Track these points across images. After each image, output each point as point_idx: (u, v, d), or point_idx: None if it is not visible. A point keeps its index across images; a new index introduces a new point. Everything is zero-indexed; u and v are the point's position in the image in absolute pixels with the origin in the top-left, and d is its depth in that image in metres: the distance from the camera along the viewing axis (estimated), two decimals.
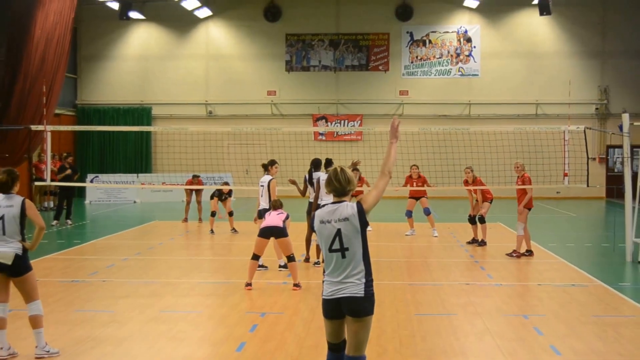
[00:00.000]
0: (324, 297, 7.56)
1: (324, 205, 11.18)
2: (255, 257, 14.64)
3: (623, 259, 18.12)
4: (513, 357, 10.00)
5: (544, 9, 37.07)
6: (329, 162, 17.61)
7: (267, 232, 14.75)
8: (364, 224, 7.46)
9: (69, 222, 26.12)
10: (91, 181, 35.85)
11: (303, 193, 17.78)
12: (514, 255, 18.47)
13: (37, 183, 28.21)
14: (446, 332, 11.29)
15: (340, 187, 7.58)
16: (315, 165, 17.67)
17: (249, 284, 14.44)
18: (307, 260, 17.59)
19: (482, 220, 20.48)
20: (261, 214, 15.97)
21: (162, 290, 14.40)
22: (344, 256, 7.43)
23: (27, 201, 10.07)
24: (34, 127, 22.51)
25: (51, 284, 15.00)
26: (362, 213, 7.44)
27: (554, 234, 23.65)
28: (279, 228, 14.71)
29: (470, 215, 21.11)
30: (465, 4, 39.21)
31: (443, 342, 10.78)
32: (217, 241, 22.21)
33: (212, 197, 24.32)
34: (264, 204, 16.65)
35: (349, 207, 7.48)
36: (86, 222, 28.04)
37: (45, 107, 27.31)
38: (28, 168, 32.55)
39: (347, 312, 7.42)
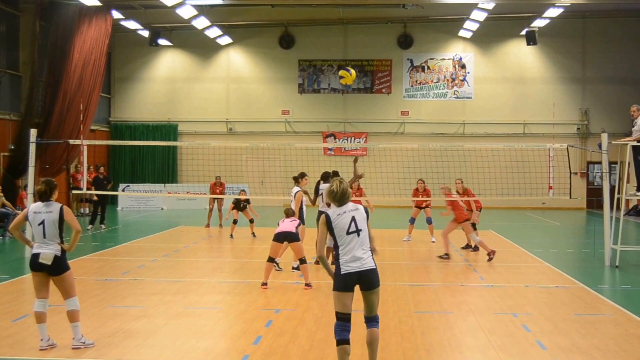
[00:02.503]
0: (344, 272, 8.31)
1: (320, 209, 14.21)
2: (271, 259, 14.64)
3: (602, 264, 18.04)
4: (503, 352, 9.95)
5: (530, 40, 37.37)
6: (335, 174, 17.63)
7: (281, 237, 14.75)
8: (367, 214, 8.61)
9: (103, 226, 26.13)
10: (123, 190, 35.87)
11: (313, 202, 17.77)
12: (491, 256, 18.41)
13: (74, 191, 28.21)
14: (443, 328, 11.25)
15: (337, 202, 8.57)
16: (324, 177, 17.67)
17: (264, 284, 14.42)
18: (317, 262, 17.53)
19: (474, 227, 20.38)
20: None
21: (187, 289, 14.38)
22: (359, 235, 8.40)
23: (65, 207, 10.09)
24: (72, 142, 22.48)
25: (87, 282, 15.00)
26: (367, 210, 8.68)
27: (539, 241, 23.57)
28: (291, 233, 14.71)
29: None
30: (460, 34, 39.26)
31: (440, 337, 10.74)
32: (236, 245, 22.18)
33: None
34: None
35: (353, 204, 8.65)
36: (118, 227, 28.02)
37: (82, 123, 27.45)
38: (66, 178, 32.70)
39: (366, 285, 8.37)
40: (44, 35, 29.95)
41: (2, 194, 23.94)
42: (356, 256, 8.31)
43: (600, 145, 19.03)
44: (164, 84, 40.92)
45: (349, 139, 39.56)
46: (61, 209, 10.00)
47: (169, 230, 26.05)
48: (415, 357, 9.72)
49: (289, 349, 9.97)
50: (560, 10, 33.78)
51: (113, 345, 10.08)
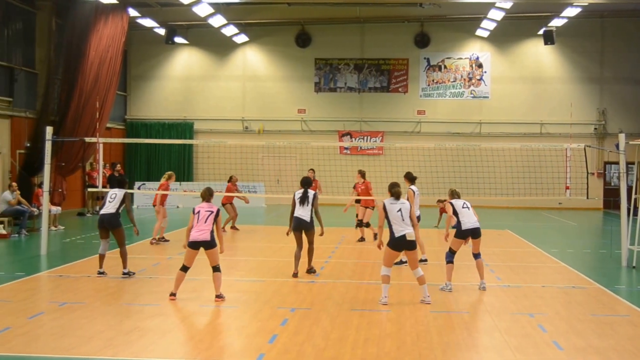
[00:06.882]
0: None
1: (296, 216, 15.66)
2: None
3: (619, 264, 17.99)
4: (520, 352, 9.94)
5: (548, 39, 37.19)
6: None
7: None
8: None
9: None
10: (138, 188, 35.96)
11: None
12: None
13: (89, 189, 28.24)
14: (459, 328, 11.25)
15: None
16: (305, 183, 16.40)
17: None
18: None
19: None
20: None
21: (202, 287, 14.41)
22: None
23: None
24: (87, 139, 22.56)
25: (102, 279, 15.10)
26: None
27: (556, 241, 23.49)
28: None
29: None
30: (477, 33, 39.16)
31: (456, 337, 10.74)
32: (251, 243, 22.19)
33: None
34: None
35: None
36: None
37: (98, 121, 27.51)
38: (82, 176, 32.81)
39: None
40: (60, 33, 30.04)
41: (18, 192, 24.08)
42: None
43: (617, 146, 18.98)
44: (180, 82, 41.03)
45: (365, 138, 39.55)
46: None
47: (184, 228, 25.96)
48: (431, 356, 9.72)
49: (304, 348, 9.98)
50: (579, 9, 33.62)
51: (129, 343, 10.12)
